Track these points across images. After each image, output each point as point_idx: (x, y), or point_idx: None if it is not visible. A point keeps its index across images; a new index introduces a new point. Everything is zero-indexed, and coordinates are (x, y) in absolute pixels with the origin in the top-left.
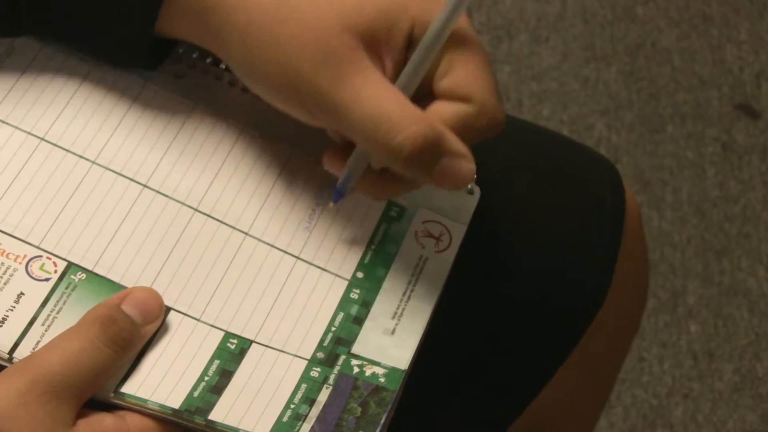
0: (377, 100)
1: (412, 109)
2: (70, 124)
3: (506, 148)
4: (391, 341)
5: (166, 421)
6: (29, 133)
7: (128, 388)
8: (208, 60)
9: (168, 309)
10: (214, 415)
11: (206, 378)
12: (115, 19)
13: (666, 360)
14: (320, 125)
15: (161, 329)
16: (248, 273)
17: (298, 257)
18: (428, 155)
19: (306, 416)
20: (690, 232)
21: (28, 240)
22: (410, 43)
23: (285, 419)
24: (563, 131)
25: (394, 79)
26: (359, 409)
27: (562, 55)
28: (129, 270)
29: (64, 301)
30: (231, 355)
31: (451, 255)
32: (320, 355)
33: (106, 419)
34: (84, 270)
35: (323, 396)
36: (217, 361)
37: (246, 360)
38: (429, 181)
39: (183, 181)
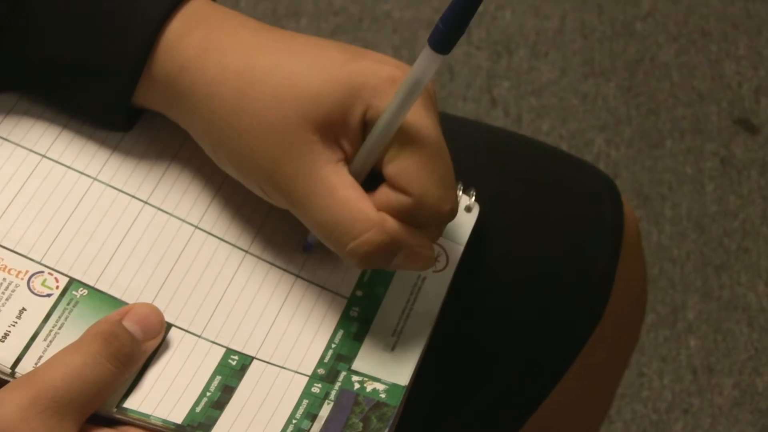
0: (327, 206)
1: (363, 213)
2: (72, 141)
3: (505, 163)
4: (391, 358)
5: None
6: (31, 150)
7: (131, 403)
8: None
9: (169, 326)
10: (217, 431)
11: (208, 393)
12: (92, 92)
13: (666, 375)
14: None
15: (163, 345)
16: (249, 290)
17: (298, 275)
18: (382, 256)
19: (308, 431)
20: (689, 247)
21: (30, 256)
22: (365, 126)
23: None
24: (562, 146)
25: (353, 158)
26: (361, 424)
27: (561, 71)
28: (130, 286)
29: (66, 316)
30: (232, 371)
31: (448, 274)
32: (321, 371)
33: None
34: (86, 286)
35: (325, 411)
36: (218, 377)
37: (247, 376)
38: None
39: (184, 198)
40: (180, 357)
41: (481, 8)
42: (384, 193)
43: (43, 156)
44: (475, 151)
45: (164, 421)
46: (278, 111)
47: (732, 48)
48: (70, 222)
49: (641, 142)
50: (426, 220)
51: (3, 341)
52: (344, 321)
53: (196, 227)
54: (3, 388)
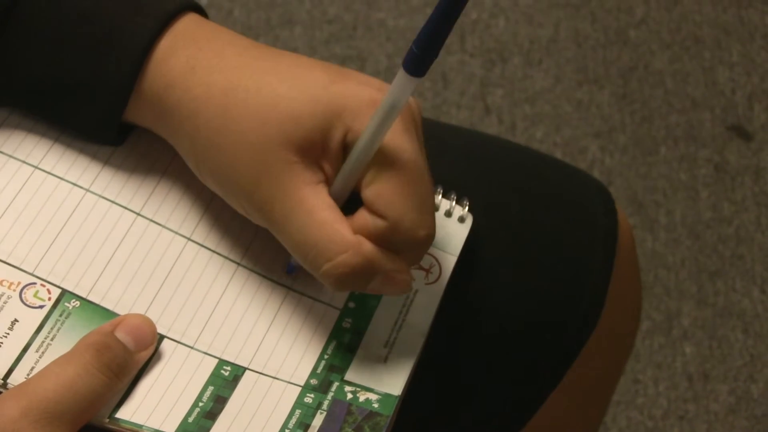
0: (305, 227)
1: (340, 235)
2: (64, 152)
3: (499, 171)
4: (384, 368)
5: None
6: (23, 162)
7: (123, 413)
8: None
9: (161, 337)
10: None
11: (200, 404)
12: (82, 109)
13: (661, 382)
14: None
15: (155, 356)
16: (241, 301)
17: (290, 287)
18: (357, 278)
19: None
20: (684, 254)
21: (22, 267)
22: (345, 148)
23: None
24: (556, 154)
25: (333, 180)
26: None
27: (555, 78)
28: (123, 298)
29: (58, 328)
30: (225, 381)
31: (441, 286)
32: (314, 381)
33: None
34: (78, 297)
35: (317, 421)
36: (211, 388)
37: (240, 386)
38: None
39: (176, 209)
40: (172, 368)
41: (474, 16)
42: (361, 216)
43: (36, 167)
44: (469, 159)
45: (156, 431)
46: (261, 131)
47: (725, 55)
48: (63, 233)
49: (635, 149)
50: (402, 244)
51: None
52: (336, 332)
53: (189, 239)
54: None
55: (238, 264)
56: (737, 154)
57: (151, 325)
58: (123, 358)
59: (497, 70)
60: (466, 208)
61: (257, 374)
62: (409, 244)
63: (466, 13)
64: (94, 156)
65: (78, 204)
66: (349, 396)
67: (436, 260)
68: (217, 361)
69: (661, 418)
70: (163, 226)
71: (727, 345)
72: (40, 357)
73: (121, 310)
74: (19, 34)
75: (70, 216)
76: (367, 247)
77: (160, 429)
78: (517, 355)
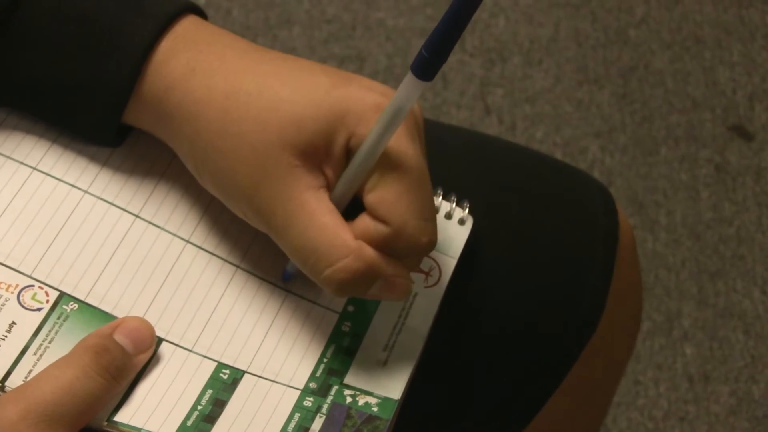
0: (306, 231)
1: (341, 239)
2: (63, 153)
3: (499, 171)
4: (383, 372)
5: None
6: (21, 163)
7: (121, 416)
8: None
9: (160, 340)
10: None
11: (199, 407)
12: (82, 110)
13: (662, 383)
14: None
15: (153, 359)
16: (240, 304)
17: (289, 290)
18: (358, 284)
19: None
20: (684, 255)
21: (20, 269)
22: (348, 153)
23: None
24: (556, 154)
25: (334, 185)
26: None
27: (555, 78)
28: (121, 300)
29: (56, 331)
30: (224, 384)
31: (440, 289)
32: (313, 385)
33: None
34: (76, 300)
35: (317, 424)
36: (210, 391)
37: (239, 390)
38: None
39: (175, 211)
40: (171, 371)
41: (474, 15)
42: (363, 221)
43: (34, 168)
44: (469, 160)
45: None
46: (261, 134)
47: (726, 55)
48: (61, 235)
49: (636, 149)
50: (404, 250)
51: None
52: (336, 335)
53: (188, 241)
54: None
55: (237, 266)
56: (738, 155)
57: (150, 328)
58: (122, 361)
59: (497, 69)
60: (467, 210)
61: (256, 377)
62: (410, 250)
63: None
64: (92, 157)
65: (76, 205)
66: (349, 400)
67: (436, 263)
68: (215, 364)
69: (661, 420)
70: (162, 228)
71: (728, 346)
72: (38, 360)
73: (119, 313)
74: (19, 34)
75: (69, 217)
76: (369, 252)
77: None
78: (518, 356)
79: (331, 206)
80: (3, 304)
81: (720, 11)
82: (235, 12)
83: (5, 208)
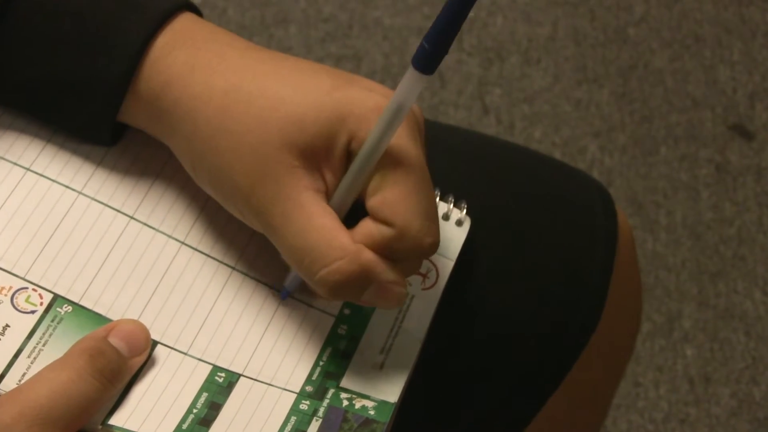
0: (303, 231)
1: (338, 241)
2: (57, 154)
3: (497, 172)
4: (380, 375)
5: None
6: (15, 164)
7: (116, 420)
8: None
9: (155, 342)
10: None
11: (195, 410)
12: (76, 108)
13: (662, 385)
14: None
15: (149, 362)
16: (236, 307)
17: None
18: (352, 287)
19: None
20: (684, 255)
21: (13, 271)
22: (348, 155)
23: None
24: (555, 154)
25: (335, 190)
26: None
27: (553, 77)
28: (115, 303)
29: (50, 333)
30: (219, 388)
31: (437, 291)
32: (309, 388)
33: None
34: (70, 302)
35: (313, 428)
36: (205, 394)
37: (234, 393)
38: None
39: (170, 212)
40: (166, 374)
41: (472, 14)
42: (366, 225)
43: (28, 169)
44: (467, 161)
45: None
46: (261, 133)
47: (726, 53)
48: (55, 237)
49: (635, 149)
50: (406, 252)
51: None
52: (332, 338)
53: (183, 243)
54: None
55: (233, 268)
56: (738, 154)
57: (145, 331)
58: (116, 364)
59: (495, 69)
60: (464, 211)
61: (252, 381)
62: (413, 252)
63: None
64: (86, 157)
65: (70, 206)
66: (345, 403)
67: (433, 265)
68: (211, 367)
69: (662, 422)
70: (157, 230)
71: (728, 347)
72: (31, 363)
73: (113, 315)
74: (13, 31)
75: (63, 219)
76: (366, 255)
77: None
78: (517, 358)
79: (329, 209)
80: None
81: (720, 9)
82: (230, 11)
83: None
